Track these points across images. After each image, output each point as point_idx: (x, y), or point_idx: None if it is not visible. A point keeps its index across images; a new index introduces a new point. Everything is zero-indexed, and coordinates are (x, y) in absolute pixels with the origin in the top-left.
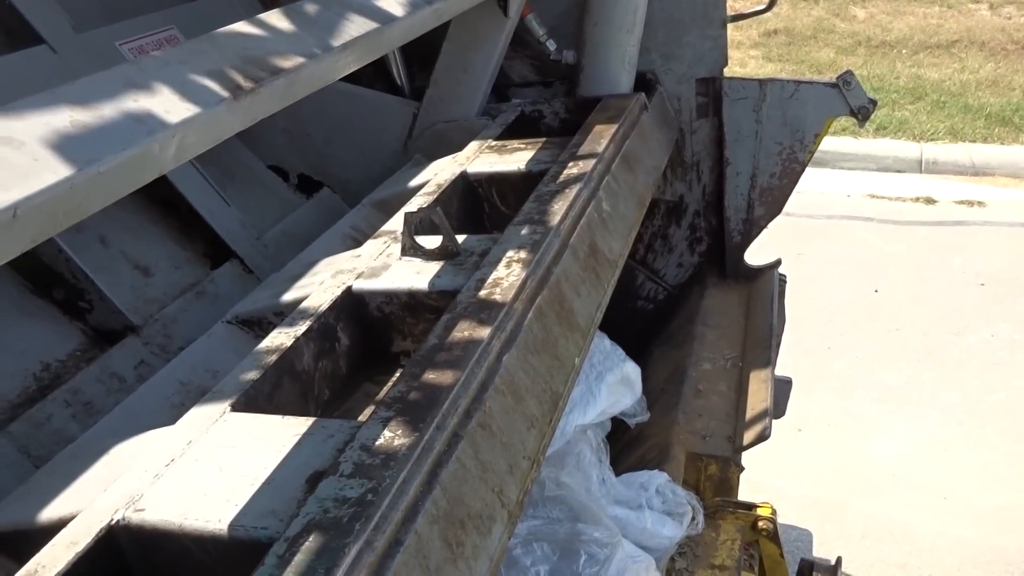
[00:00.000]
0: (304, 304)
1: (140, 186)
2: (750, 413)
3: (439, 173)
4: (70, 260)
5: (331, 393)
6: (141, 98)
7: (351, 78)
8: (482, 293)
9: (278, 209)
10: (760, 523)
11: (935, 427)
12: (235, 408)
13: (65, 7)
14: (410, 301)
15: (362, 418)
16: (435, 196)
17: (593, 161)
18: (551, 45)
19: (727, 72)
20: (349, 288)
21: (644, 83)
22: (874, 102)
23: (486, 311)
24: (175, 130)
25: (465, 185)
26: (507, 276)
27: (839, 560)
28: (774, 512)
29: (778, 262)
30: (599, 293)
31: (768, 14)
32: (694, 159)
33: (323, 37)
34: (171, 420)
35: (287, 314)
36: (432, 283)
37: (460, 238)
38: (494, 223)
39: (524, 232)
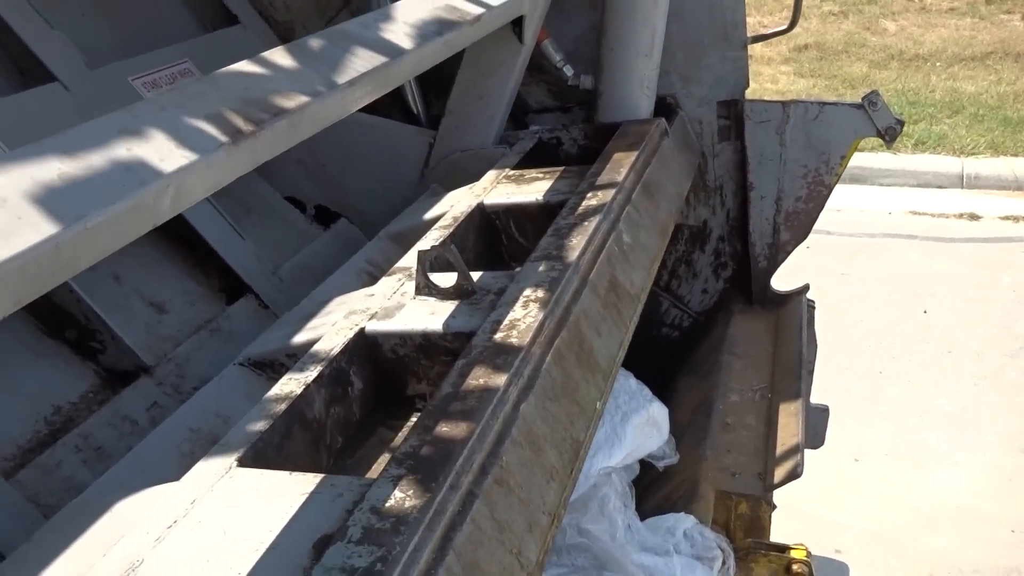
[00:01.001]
0: (316, 347)
1: (134, 239)
2: (781, 448)
3: (455, 205)
4: (82, 300)
5: (344, 440)
6: (134, 146)
7: (367, 108)
8: (498, 336)
9: (295, 241)
10: (794, 566)
11: (997, 455)
12: (242, 462)
13: (78, 44)
14: (424, 343)
15: (374, 473)
16: (451, 230)
17: (612, 191)
18: (568, 70)
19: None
20: (362, 330)
21: (664, 107)
22: (901, 122)
23: (502, 356)
24: (170, 179)
25: (482, 217)
26: (524, 317)
27: None
28: (809, 554)
29: (806, 287)
30: (621, 331)
31: (797, 28)
32: (717, 183)
33: (329, 74)
34: (180, 469)
35: (299, 356)
36: (447, 324)
37: (476, 275)
38: (512, 255)
39: (541, 269)
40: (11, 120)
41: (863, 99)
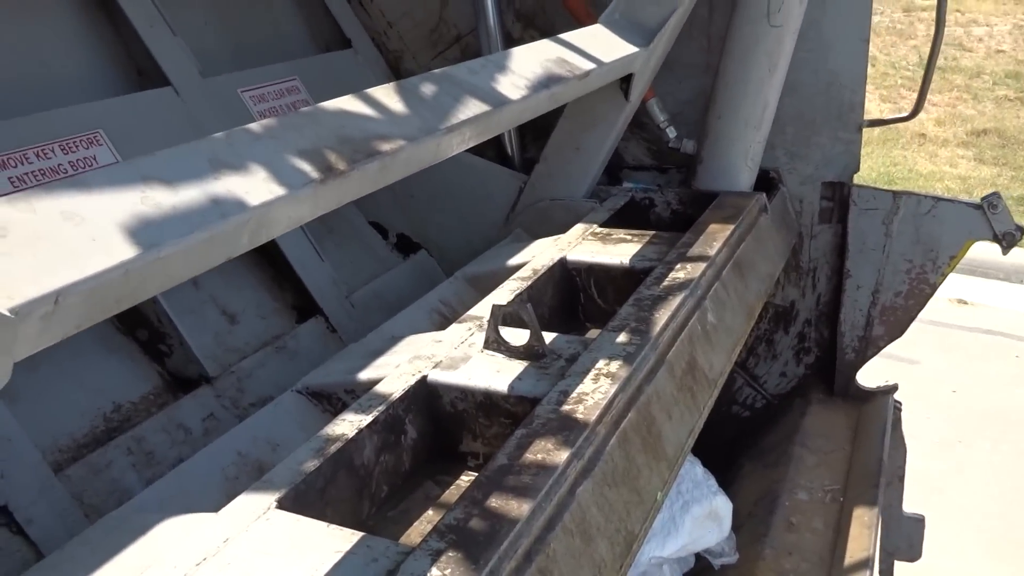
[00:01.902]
0: (376, 389)
1: (206, 269)
2: (848, 560)
3: (537, 256)
4: (157, 301)
5: (389, 489)
6: (224, 176)
7: None
8: (564, 408)
9: (372, 267)
10: None
11: None
12: (281, 504)
13: (196, 52)
14: (486, 401)
15: (413, 532)
16: (530, 282)
17: (703, 266)
18: (671, 132)
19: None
20: (424, 378)
21: (766, 181)
22: (1021, 229)
23: (565, 432)
24: (252, 213)
25: (563, 273)
26: (593, 392)
27: None
28: None
29: (894, 387)
30: (693, 417)
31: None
32: (811, 265)
33: (429, 118)
34: (222, 494)
35: (358, 393)
36: (512, 386)
37: (548, 336)
38: (589, 316)
39: (618, 341)
40: (122, 118)
41: (983, 200)
